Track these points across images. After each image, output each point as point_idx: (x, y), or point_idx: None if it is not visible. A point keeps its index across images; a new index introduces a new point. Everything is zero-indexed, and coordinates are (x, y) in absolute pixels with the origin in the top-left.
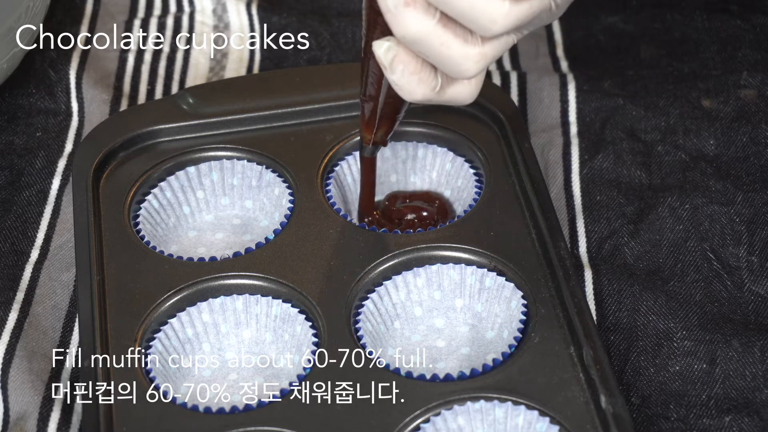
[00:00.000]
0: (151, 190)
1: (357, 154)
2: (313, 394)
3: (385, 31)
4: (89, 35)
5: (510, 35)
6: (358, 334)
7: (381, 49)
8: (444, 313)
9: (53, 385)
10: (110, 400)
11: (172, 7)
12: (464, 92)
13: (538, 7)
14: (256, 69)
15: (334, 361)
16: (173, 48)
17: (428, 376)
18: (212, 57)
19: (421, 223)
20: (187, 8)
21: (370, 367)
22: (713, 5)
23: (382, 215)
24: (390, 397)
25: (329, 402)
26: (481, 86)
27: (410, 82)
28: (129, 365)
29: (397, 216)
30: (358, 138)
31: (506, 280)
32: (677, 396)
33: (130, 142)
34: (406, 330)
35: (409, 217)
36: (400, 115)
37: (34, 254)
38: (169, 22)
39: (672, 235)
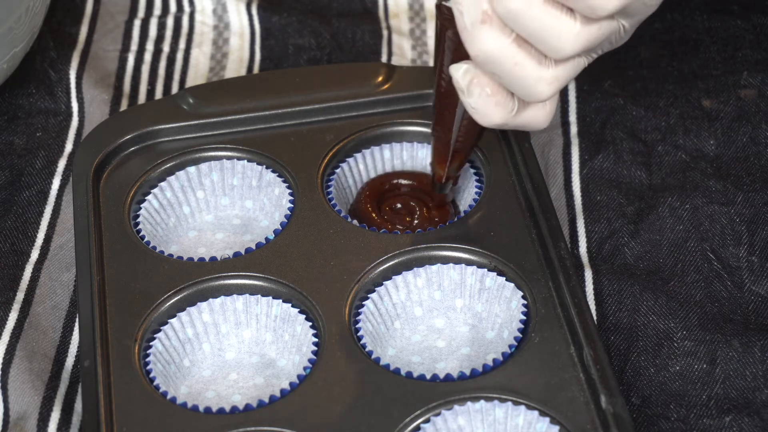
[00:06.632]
0: (151, 190)
1: (358, 155)
2: (313, 394)
3: (458, 59)
4: (89, 35)
5: (581, 57)
6: (358, 334)
7: (459, 71)
8: (444, 313)
9: (53, 385)
10: (110, 400)
11: (172, 7)
12: (539, 116)
13: (607, 30)
14: (256, 69)
15: (334, 361)
16: (173, 48)
17: (428, 376)
18: (212, 57)
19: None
20: (187, 8)
21: (370, 367)
22: (713, 5)
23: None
24: (390, 397)
25: (329, 402)
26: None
27: (487, 105)
28: (129, 365)
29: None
30: (358, 139)
31: (506, 280)
32: (677, 396)
33: (130, 142)
34: (406, 330)
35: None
36: (474, 146)
37: (34, 254)
38: (169, 22)
39: (672, 235)
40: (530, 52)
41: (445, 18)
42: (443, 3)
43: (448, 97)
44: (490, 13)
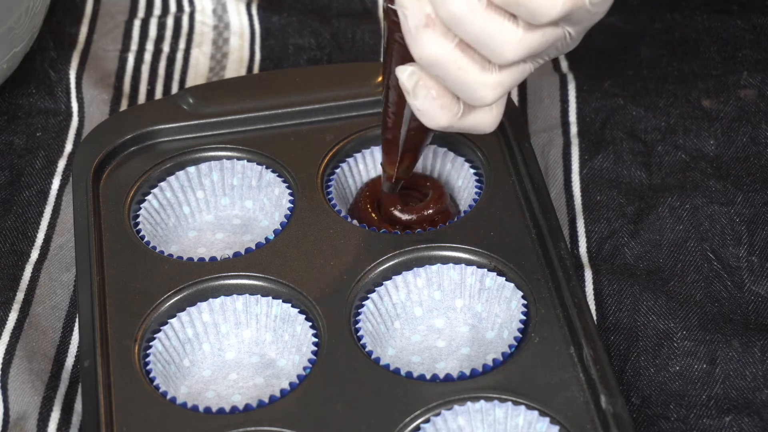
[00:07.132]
0: (151, 190)
1: (358, 155)
2: (313, 394)
3: (405, 62)
4: (89, 35)
5: (527, 63)
6: (358, 334)
7: (404, 73)
8: (444, 313)
9: (53, 385)
10: (110, 400)
11: (172, 7)
12: (485, 120)
13: (552, 36)
14: (256, 69)
15: (334, 361)
16: (173, 48)
17: (428, 376)
18: (212, 57)
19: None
20: (187, 8)
21: (370, 367)
22: (713, 5)
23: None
24: (390, 397)
25: (329, 402)
26: (502, 115)
27: (432, 108)
28: (129, 365)
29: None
30: (358, 139)
31: (506, 280)
32: (677, 396)
33: (130, 142)
34: (406, 330)
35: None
36: (422, 147)
37: (34, 254)
38: (169, 22)
39: (672, 235)
40: (473, 57)
41: (392, 21)
42: (389, 6)
43: (396, 98)
44: (433, 17)
